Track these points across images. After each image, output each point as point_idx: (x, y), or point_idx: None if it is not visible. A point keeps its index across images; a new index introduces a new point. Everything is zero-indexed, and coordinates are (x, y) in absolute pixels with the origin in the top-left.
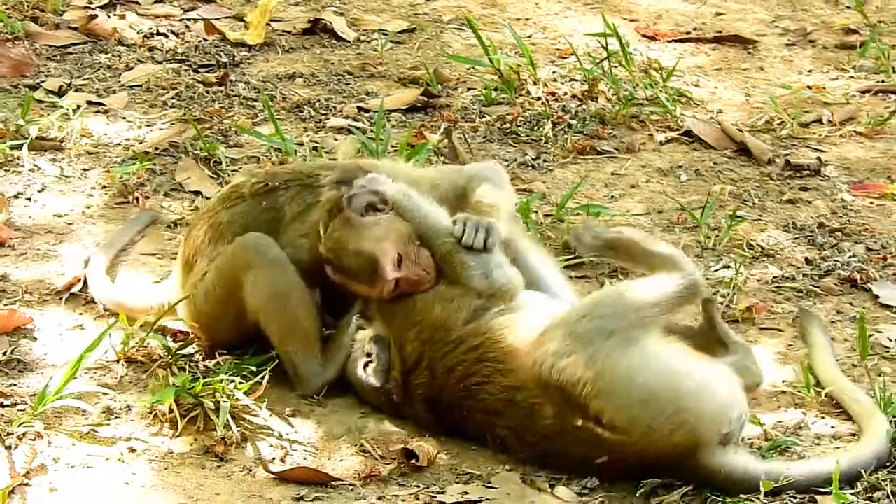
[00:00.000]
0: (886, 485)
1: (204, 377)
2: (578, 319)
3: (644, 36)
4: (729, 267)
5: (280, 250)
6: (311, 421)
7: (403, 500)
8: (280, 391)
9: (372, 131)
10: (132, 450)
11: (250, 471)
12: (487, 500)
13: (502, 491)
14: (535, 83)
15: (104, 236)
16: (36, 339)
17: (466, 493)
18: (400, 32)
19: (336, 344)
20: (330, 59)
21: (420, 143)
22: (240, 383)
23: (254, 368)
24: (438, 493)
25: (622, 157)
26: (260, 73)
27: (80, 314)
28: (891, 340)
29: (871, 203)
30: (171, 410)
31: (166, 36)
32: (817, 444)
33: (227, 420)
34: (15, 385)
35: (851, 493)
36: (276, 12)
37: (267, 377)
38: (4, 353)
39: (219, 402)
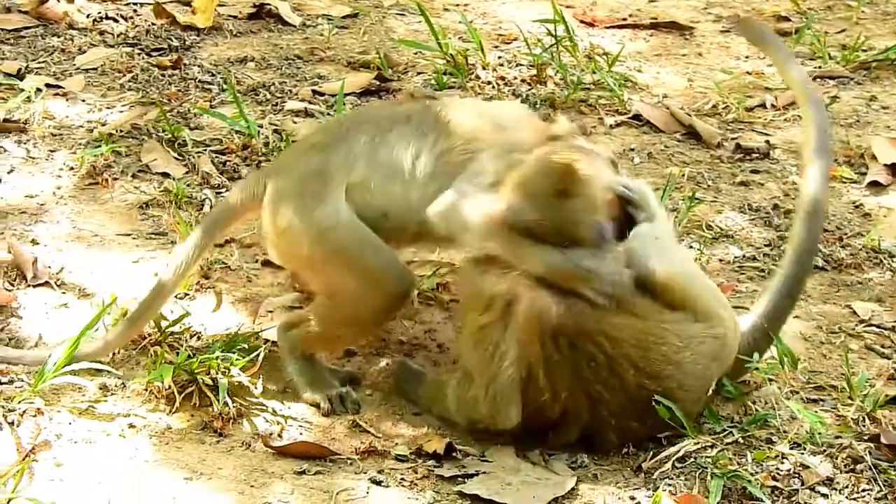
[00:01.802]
0: (867, 457)
1: (195, 354)
2: None
3: (582, 22)
4: (691, 247)
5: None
6: None
7: (402, 474)
8: (271, 368)
9: (329, 114)
10: (132, 426)
11: (249, 446)
12: (484, 473)
13: (497, 465)
14: (484, 67)
15: (77, 217)
16: (22, 317)
17: (463, 467)
18: (344, 17)
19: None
20: (279, 44)
21: None
22: (236, 360)
23: (245, 346)
24: (435, 466)
25: None
26: (211, 57)
27: (63, 293)
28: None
29: None
30: (168, 387)
31: (116, 20)
32: (794, 418)
33: (224, 396)
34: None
35: (833, 466)
36: None
37: (262, 354)
38: None
39: (215, 379)
